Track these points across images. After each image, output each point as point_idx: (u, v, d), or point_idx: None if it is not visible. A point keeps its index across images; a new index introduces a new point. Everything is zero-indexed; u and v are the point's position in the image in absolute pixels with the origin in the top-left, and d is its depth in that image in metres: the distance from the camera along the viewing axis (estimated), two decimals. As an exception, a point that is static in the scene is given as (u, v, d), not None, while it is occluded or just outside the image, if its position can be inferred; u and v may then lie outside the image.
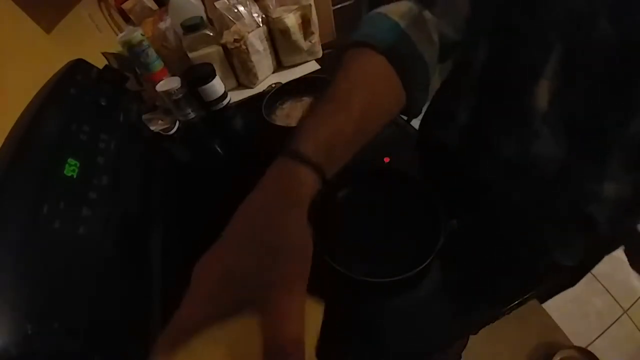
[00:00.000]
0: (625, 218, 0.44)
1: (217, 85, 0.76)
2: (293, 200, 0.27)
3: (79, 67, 0.60)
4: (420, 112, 0.41)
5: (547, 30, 0.34)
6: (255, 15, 0.83)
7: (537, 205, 0.45)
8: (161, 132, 0.78)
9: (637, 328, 1.15)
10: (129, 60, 0.78)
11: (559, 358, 0.46)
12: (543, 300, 0.49)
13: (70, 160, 0.44)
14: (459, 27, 0.36)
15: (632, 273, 1.19)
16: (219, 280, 0.24)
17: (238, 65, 0.86)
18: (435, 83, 0.38)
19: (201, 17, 0.80)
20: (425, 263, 0.43)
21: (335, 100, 0.31)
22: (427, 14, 0.35)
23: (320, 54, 0.94)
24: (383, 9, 0.35)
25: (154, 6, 0.93)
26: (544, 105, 0.38)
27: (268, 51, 0.88)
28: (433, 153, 0.57)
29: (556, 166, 0.41)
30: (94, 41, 0.81)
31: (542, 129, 0.40)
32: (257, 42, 0.83)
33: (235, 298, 0.22)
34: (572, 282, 0.59)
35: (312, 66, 0.92)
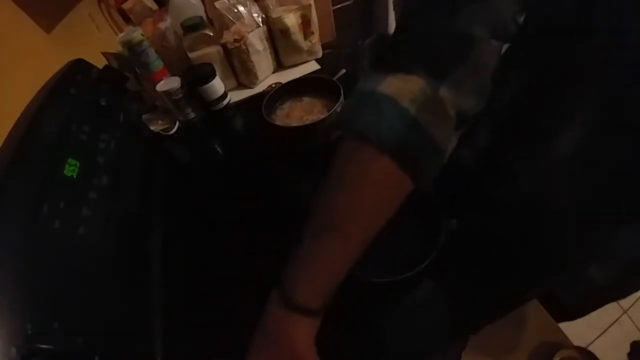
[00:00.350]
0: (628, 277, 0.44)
1: (217, 85, 0.76)
2: (298, 346, 0.30)
3: (79, 67, 0.60)
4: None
5: (594, 79, 0.30)
6: (255, 15, 0.83)
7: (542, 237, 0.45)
8: (161, 132, 0.78)
9: (637, 328, 1.15)
10: (129, 60, 0.78)
11: (559, 358, 0.46)
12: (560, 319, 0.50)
13: (70, 160, 0.44)
14: (481, 94, 0.31)
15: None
16: None
17: (238, 65, 0.86)
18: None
19: (201, 17, 0.80)
20: (425, 263, 0.42)
21: (334, 228, 0.28)
22: (443, 91, 0.28)
23: (320, 54, 0.94)
24: (390, 89, 0.28)
25: (154, 6, 0.93)
26: (568, 151, 0.35)
27: (268, 51, 0.88)
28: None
29: (571, 211, 0.39)
30: (94, 41, 0.80)
31: (563, 175, 0.38)
32: (257, 42, 0.83)
33: None
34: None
35: (312, 66, 0.92)
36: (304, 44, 0.89)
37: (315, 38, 0.90)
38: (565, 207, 0.39)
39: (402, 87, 0.27)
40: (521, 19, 0.31)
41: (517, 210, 0.44)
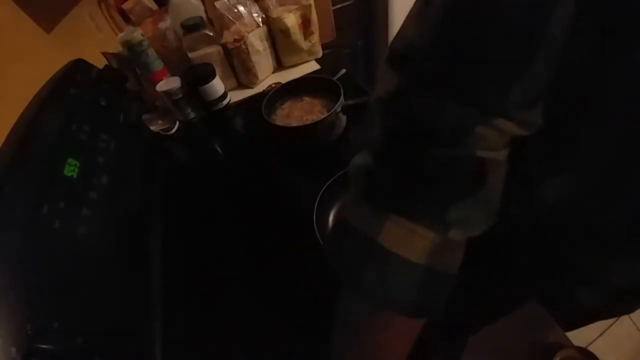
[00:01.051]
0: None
1: (217, 85, 0.77)
2: None
3: (79, 67, 0.60)
4: None
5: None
6: (255, 15, 0.83)
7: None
8: (161, 132, 0.78)
9: (637, 328, 1.15)
10: (129, 60, 0.78)
11: (559, 358, 0.46)
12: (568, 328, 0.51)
13: (70, 160, 0.44)
14: (491, 214, 0.27)
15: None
16: None
17: (238, 65, 0.86)
18: None
19: (201, 17, 0.80)
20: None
21: None
22: (452, 233, 0.24)
23: (320, 54, 0.94)
24: (394, 244, 0.24)
25: (154, 6, 0.93)
26: (549, 201, 0.35)
27: (268, 51, 0.88)
28: None
29: (571, 236, 0.39)
30: (94, 41, 0.81)
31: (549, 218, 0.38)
32: (257, 42, 0.83)
33: None
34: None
35: (312, 66, 0.92)
36: (304, 44, 0.89)
37: (315, 38, 0.90)
38: (565, 234, 0.39)
39: (409, 242, 0.23)
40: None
41: (521, 224, 0.44)
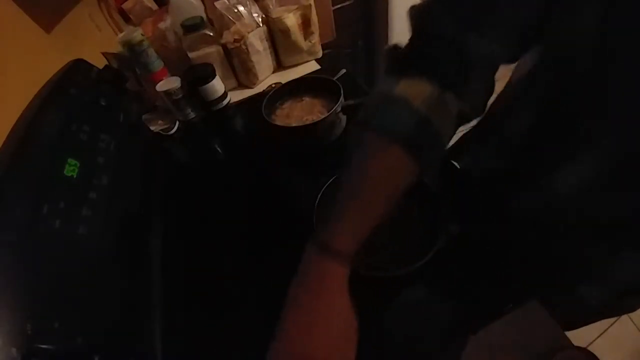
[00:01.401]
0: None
1: (217, 85, 0.76)
2: (333, 291, 0.32)
3: (79, 67, 0.60)
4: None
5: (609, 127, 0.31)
6: (255, 15, 0.83)
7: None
8: (161, 132, 0.78)
9: (637, 328, 1.15)
10: (129, 60, 0.78)
11: (559, 358, 0.46)
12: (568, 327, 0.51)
13: (70, 160, 0.44)
14: (477, 108, 0.36)
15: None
16: None
17: (238, 65, 0.86)
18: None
19: (201, 17, 0.80)
20: (421, 262, 0.43)
21: (359, 197, 0.33)
22: (448, 96, 0.32)
23: (320, 54, 0.94)
24: (405, 92, 0.32)
25: (154, 6, 0.93)
26: (564, 189, 0.37)
27: (268, 51, 0.88)
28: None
29: (577, 232, 0.40)
30: (94, 41, 0.80)
31: (558, 211, 0.39)
32: (257, 42, 0.83)
33: None
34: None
35: (312, 66, 0.92)
36: (304, 44, 0.89)
37: (315, 38, 0.90)
38: (582, 227, 0.40)
39: (415, 90, 0.32)
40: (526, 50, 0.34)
41: (524, 224, 0.45)
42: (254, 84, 0.89)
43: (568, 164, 0.36)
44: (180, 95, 0.74)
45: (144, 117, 0.78)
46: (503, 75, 0.41)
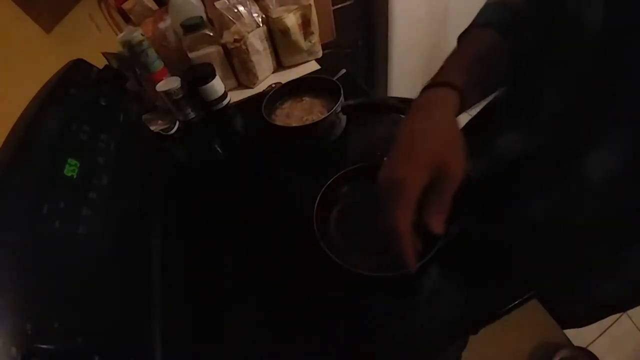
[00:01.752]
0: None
1: (217, 85, 0.76)
2: (447, 107, 0.34)
3: (79, 67, 0.60)
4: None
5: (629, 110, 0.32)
6: (255, 15, 0.83)
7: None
8: (161, 132, 0.78)
9: (637, 328, 1.15)
10: (129, 60, 0.78)
11: (558, 358, 0.46)
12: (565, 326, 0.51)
13: (70, 160, 0.44)
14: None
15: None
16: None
17: (238, 65, 0.86)
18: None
19: (201, 17, 0.80)
20: (421, 262, 0.43)
21: (465, 56, 0.39)
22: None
23: (320, 54, 0.94)
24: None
25: (154, 6, 0.93)
26: (595, 178, 0.37)
27: (268, 51, 0.88)
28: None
29: (589, 231, 0.40)
30: (94, 41, 0.80)
31: (586, 202, 0.39)
32: (257, 42, 0.83)
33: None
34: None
35: (312, 66, 0.92)
36: (304, 44, 0.89)
37: (315, 38, 0.90)
38: (583, 227, 0.40)
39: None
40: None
41: (529, 225, 0.45)
42: (254, 84, 0.89)
43: (596, 151, 0.36)
44: (180, 95, 0.74)
45: (144, 117, 0.78)
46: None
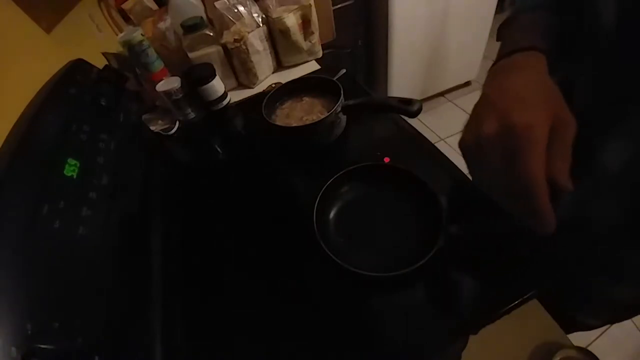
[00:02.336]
0: None
1: (217, 85, 0.76)
2: (539, 65, 0.32)
3: (79, 67, 0.60)
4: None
5: None
6: (255, 15, 0.83)
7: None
8: (161, 132, 0.78)
9: (637, 328, 1.15)
10: (129, 60, 0.78)
11: (558, 358, 0.46)
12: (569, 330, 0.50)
13: (70, 160, 0.44)
14: None
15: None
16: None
17: (238, 65, 0.86)
18: None
19: (201, 17, 0.80)
20: (421, 262, 0.43)
21: (535, 28, 0.36)
22: None
23: (320, 54, 0.94)
24: None
25: (154, 6, 0.93)
26: (614, 167, 0.36)
27: (268, 51, 0.88)
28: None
29: (604, 230, 0.40)
30: (94, 41, 0.81)
31: (605, 192, 0.38)
32: (257, 42, 0.83)
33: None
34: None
35: (312, 66, 0.92)
36: (304, 44, 0.89)
37: (315, 38, 0.90)
38: (598, 228, 0.39)
39: None
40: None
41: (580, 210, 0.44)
42: (254, 84, 0.89)
43: (613, 142, 0.35)
44: (180, 95, 0.74)
45: (144, 117, 0.78)
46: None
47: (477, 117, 0.30)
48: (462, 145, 0.31)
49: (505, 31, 0.40)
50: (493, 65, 0.35)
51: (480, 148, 0.28)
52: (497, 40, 0.41)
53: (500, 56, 0.35)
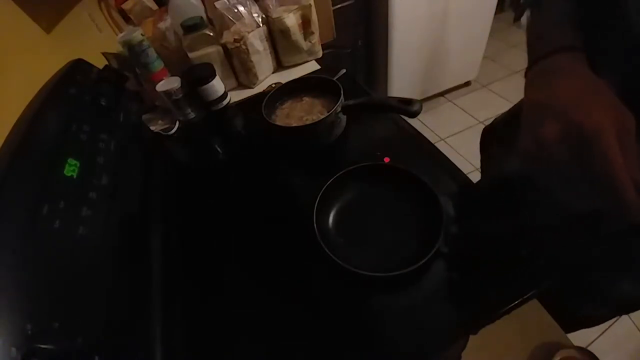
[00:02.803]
0: None
1: (217, 85, 0.76)
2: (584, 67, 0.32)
3: (79, 67, 0.60)
4: None
5: None
6: (255, 15, 0.83)
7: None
8: (161, 132, 0.78)
9: (637, 328, 1.15)
10: (129, 60, 0.78)
11: (559, 358, 0.46)
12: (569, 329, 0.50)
13: (70, 160, 0.44)
14: None
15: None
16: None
17: (238, 65, 0.86)
18: None
19: (201, 17, 0.80)
20: (421, 262, 0.43)
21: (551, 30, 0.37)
22: None
23: (320, 54, 0.94)
24: None
25: (154, 6, 0.93)
26: None
27: (268, 51, 0.88)
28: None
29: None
30: (94, 41, 0.81)
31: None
32: (257, 42, 0.83)
33: None
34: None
35: (312, 66, 0.92)
36: (304, 44, 0.89)
37: (315, 38, 0.90)
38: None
39: None
40: None
41: (537, 225, 0.44)
42: (254, 84, 0.89)
43: None
44: (180, 95, 0.74)
45: (144, 117, 0.78)
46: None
47: (532, 124, 0.31)
48: (522, 153, 0.31)
49: (537, 19, 0.39)
50: (529, 67, 0.35)
51: (542, 151, 0.29)
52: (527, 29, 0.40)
53: (538, 56, 0.35)
